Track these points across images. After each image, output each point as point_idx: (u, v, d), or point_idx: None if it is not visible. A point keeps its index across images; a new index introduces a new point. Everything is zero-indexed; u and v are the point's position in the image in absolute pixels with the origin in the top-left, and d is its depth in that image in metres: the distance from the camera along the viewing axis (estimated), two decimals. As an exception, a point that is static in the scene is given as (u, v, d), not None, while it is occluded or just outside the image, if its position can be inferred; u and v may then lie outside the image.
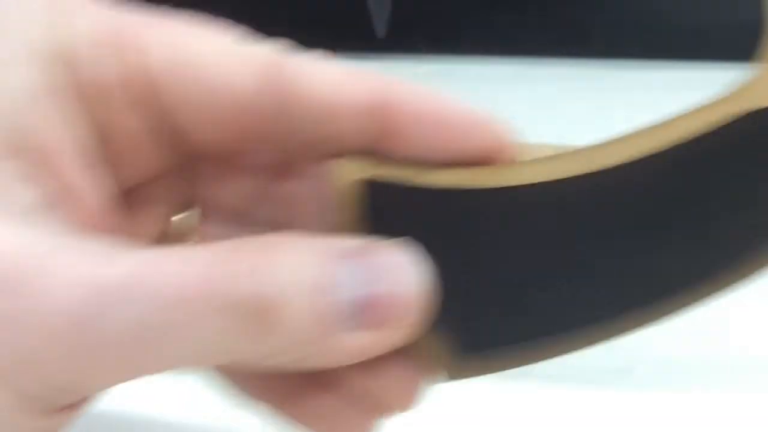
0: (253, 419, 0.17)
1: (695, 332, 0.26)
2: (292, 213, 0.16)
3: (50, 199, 0.14)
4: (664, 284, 0.15)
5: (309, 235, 0.14)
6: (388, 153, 0.15)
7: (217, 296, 0.13)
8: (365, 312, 0.13)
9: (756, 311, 0.27)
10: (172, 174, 0.16)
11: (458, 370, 0.15)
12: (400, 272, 0.14)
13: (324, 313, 0.13)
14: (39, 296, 0.12)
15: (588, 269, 0.15)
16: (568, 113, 0.42)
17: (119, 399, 0.23)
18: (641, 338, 0.24)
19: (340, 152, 0.15)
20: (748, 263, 0.15)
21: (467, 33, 0.48)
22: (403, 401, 0.16)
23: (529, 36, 0.51)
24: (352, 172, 0.15)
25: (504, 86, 0.42)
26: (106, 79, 0.14)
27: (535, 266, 0.15)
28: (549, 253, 0.15)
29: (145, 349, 0.13)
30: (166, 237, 0.17)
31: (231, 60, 0.15)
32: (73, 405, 0.14)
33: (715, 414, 0.23)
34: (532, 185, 0.15)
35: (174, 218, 0.17)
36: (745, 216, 0.14)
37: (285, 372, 0.15)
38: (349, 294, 0.13)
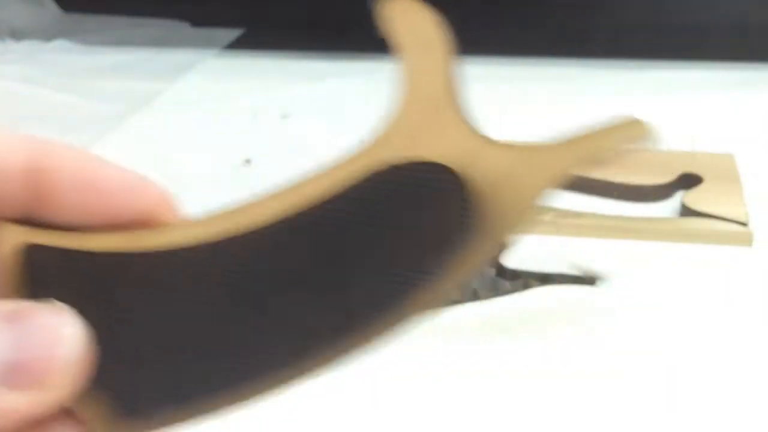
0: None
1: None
2: None
3: None
4: (314, 339, 0.15)
5: None
6: (48, 217, 0.15)
7: None
8: (16, 373, 0.14)
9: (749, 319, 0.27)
10: None
11: (120, 430, 0.15)
12: (53, 334, 0.14)
13: None
14: None
15: (242, 327, 0.15)
16: (568, 113, 0.42)
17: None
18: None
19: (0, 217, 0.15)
20: (389, 317, 0.15)
21: (467, 33, 0.48)
22: None
23: (529, 36, 0.51)
24: (10, 237, 0.15)
25: (504, 86, 0.42)
26: None
27: (189, 327, 0.15)
28: (201, 314, 0.15)
29: None
30: None
31: None
32: None
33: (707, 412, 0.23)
34: (180, 249, 0.15)
35: None
36: (385, 273, 0.15)
37: None
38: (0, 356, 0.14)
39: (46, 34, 0.61)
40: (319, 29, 0.55)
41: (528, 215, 0.15)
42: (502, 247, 0.14)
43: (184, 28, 0.61)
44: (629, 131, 0.14)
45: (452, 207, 0.15)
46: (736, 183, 0.33)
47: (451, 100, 0.15)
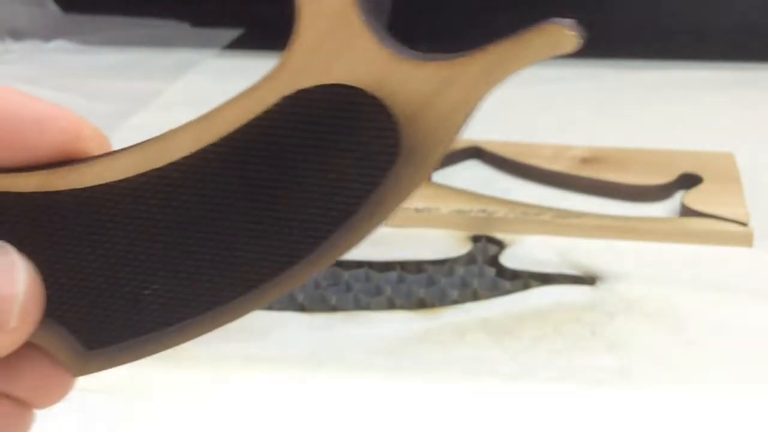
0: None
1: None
2: None
3: None
4: (256, 269, 0.15)
5: None
6: None
7: None
8: None
9: (749, 311, 0.27)
10: None
11: (83, 366, 0.16)
12: (4, 274, 0.14)
13: None
14: None
15: (182, 259, 0.15)
16: (568, 113, 0.42)
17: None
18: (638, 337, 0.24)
19: None
20: (323, 248, 0.15)
21: (467, 33, 0.48)
22: (44, 396, 0.16)
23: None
24: None
25: (504, 86, 0.42)
26: None
27: (128, 261, 0.15)
28: (139, 248, 0.15)
29: None
30: None
31: None
32: None
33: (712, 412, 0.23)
34: (107, 184, 0.15)
35: None
36: (312, 198, 0.15)
37: None
38: None
39: (46, 34, 0.61)
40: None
41: (452, 133, 0.14)
42: (428, 172, 0.14)
43: (184, 28, 0.61)
44: (549, 38, 0.14)
45: (371, 131, 0.14)
46: (736, 183, 0.33)
47: (356, 13, 0.14)
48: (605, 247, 0.30)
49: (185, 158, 0.15)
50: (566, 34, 0.13)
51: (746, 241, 0.30)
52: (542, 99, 0.43)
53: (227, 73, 0.51)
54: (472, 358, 0.25)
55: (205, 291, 0.16)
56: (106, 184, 0.15)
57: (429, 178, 0.14)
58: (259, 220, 0.15)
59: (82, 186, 0.15)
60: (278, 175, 0.15)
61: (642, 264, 0.29)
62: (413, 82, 0.14)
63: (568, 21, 0.14)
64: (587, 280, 0.28)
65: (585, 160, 0.35)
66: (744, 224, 0.30)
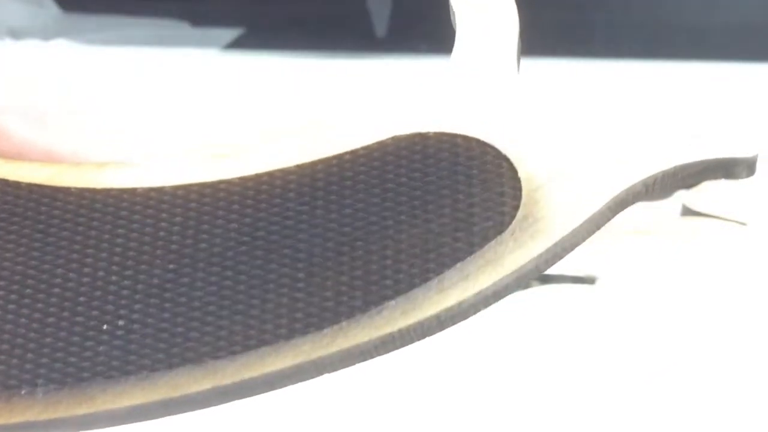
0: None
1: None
2: None
3: None
4: (288, 326, 0.13)
5: None
6: None
7: None
8: None
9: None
10: None
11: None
12: None
13: None
14: None
15: (184, 291, 0.13)
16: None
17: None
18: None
19: None
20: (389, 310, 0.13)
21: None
22: None
23: (529, 36, 0.51)
24: None
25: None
26: None
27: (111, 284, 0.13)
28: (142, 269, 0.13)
29: None
30: None
31: None
32: None
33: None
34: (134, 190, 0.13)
35: None
36: (397, 252, 0.13)
37: None
38: None
39: (46, 34, 0.61)
40: (319, 29, 0.55)
41: (586, 228, 0.13)
42: (547, 260, 0.13)
43: (184, 28, 0.61)
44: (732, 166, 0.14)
45: (491, 190, 0.13)
46: (736, 183, 0.33)
47: (509, 71, 0.13)
48: (605, 248, 0.30)
49: (257, 176, 0.13)
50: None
51: (746, 241, 0.30)
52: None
53: (227, 73, 0.51)
54: (471, 358, 0.25)
55: (206, 335, 0.13)
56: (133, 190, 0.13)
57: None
58: (305, 265, 0.13)
59: (104, 186, 0.13)
60: (362, 217, 0.13)
61: (642, 264, 0.29)
62: (559, 155, 0.13)
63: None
64: (587, 280, 0.28)
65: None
66: (744, 224, 0.30)
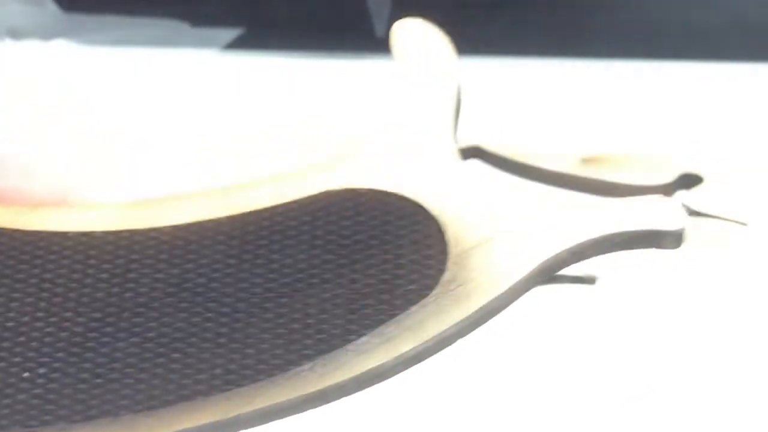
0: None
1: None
2: None
3: None
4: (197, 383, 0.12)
5: None
6: None
7: None
8: None
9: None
10: None
11: None
12: None
13: None
14: None
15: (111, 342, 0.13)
16: (569, 113, 0.42)
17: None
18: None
19: None
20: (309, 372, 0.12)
21: (467, 33, 0.48)
22: None
23: (529, 36, 0.51)
24: None
25: (503, 86, 0.42)
26: None
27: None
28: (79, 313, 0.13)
29: None
30: None
31: None
32: None
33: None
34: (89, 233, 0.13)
35: None
36: (325, 309, 0.12)
37: None
38: None
39: (46, 34, 0.61)
40: (319, 29, 0.55)
41: (510, 294, 0.14)
42: (470, 325, 0.13)
43: (184, 28, 0.62)
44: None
45: (418, 252, 0.12)
46: (736, 183, 0.33)
47: (444, 133, 0.14)
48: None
49: (188, 225, 0.13)
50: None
51: (746, 241, 0.30)
52: (542, 99, 0.43)
53: (227, 73, 0.51)
54: (471, 358, 0.25)
55: (142, 387, 0.12)
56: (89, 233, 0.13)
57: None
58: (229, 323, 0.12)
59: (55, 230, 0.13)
60: (292, 270, 0.13)
61: (642, 264, 0.29)
62: (492, 220, 0.13)
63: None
64: (587, 280, 0.28)
65: (585, 160, 0.35)
66: (744, 224, 0.30)
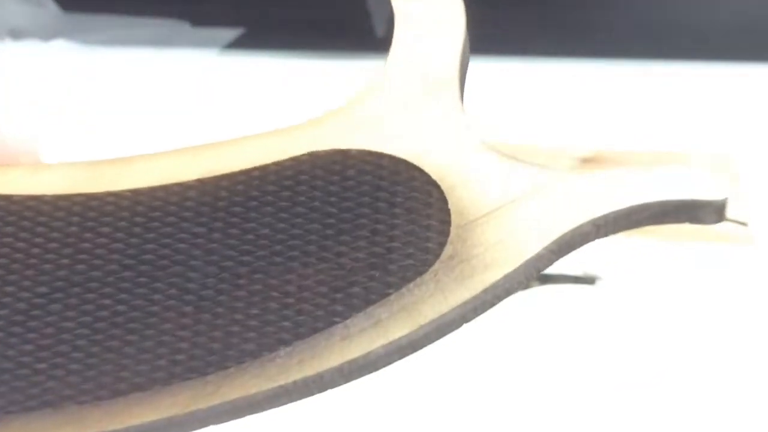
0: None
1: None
2: None
3: None
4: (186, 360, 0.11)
5: None
6: None
7: None
8: None
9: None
10: None
11: None
12: None
13: None
14: None
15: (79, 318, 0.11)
16: (568, 113, 0.42)
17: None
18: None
19: None
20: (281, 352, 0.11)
21: (467, 33, 0.48)
22: None
23: (530, 36, 0.51)
24: None
25: (503, 86, 0.42)
26: None
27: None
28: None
29: None
30: None
31: None
32: None
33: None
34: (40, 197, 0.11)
35: None
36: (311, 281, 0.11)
37: None
38: None
39: (46, 34, 0.61)
40: (319, 29, 0.55)
41: (522, 273, 0.11)
42: (475, 308, 0.11)
43: (184, 28, 0.61)
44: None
45: (415, 222, 0.11)
46: (735, 183, 0.33)
47: (449, 87, 0.11)
48: (605, 247, 0.30)
49: (150, 189, 0.12)
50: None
51: (746, 241, 0.30)
52: (542, 99, 0.43)
53: (227, 73, 0.51)
54: (471, 358, 0.25)
55: (115, 370, 0.11)
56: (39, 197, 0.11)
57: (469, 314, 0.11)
58: (215, 294, 0.11)
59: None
60: (276, 237, 0.11)
61: (642, 264, 0.29)
62: (496, 182, 0.11)
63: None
64: (587, 280, 0.28)
65: (585, 160, 0.35)
66: (744, 224, 0.30)
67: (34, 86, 0.49)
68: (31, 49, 0.59)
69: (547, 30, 0.52)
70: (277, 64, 0.54)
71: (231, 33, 0.60)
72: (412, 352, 0.11)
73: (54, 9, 0.65)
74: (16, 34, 0.61)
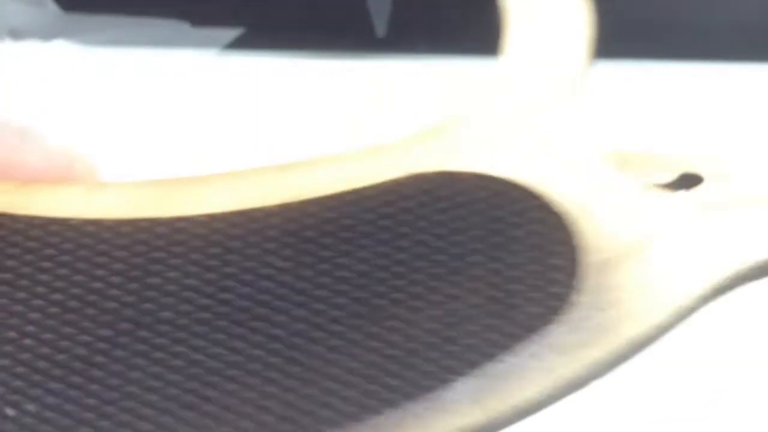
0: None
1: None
2: None
3: None
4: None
5: None
6: None
7: None
8: None
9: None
10: None
11: None
12: None
13: None
14: None
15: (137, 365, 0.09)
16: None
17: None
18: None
19: None
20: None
21: (467, 33, 0.48)
22: None
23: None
24: None
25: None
26: None
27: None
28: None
29: None
30: None
31: None
32: None
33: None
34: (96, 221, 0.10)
35: None
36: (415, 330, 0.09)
37: None
38: None
39: (46, 34, 0.61)
40: (319, 29, 0.55)
41: (668, 324, 0.09)
42: (610, 365, 0.09)
43: (184, 28, 0.62)
44: None
45: (538, 261, 0.09)
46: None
47: (570, 103, 0.10)
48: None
49: (227, 215, 0.10)
50: None
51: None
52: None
53: (227, 73, 0.51)
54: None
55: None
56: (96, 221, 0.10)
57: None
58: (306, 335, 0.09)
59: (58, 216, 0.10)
60: (380, 275, 0.09)
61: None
62: (623, 213, 0.09)
63: None
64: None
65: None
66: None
67: (34, 86, 0.49)
68: (30, 49, 0.59)
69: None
70: (277, 64, 0.54)
71: (231, 33, 0.60)
72: (526, 416, 0.09)
73: (54, 9, 0.65)
74: (16, 34, 0.61)
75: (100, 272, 0.09)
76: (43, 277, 0.09)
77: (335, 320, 0.09)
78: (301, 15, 0.56)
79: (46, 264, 0.09)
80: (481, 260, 0.09)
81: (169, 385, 0.09)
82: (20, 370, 0.09)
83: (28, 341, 0.09)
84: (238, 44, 0.59)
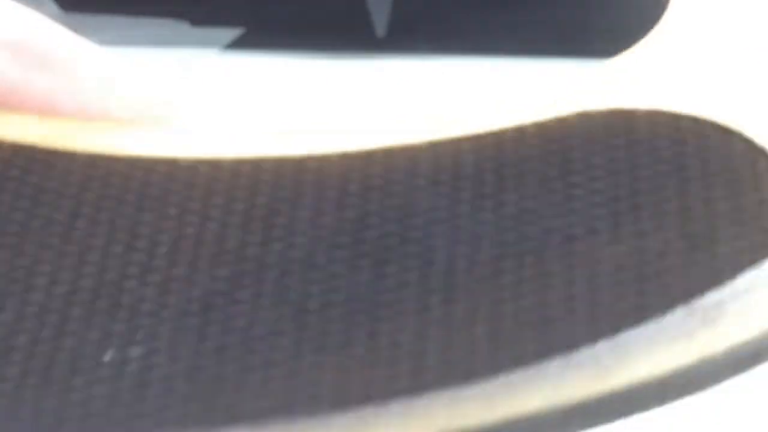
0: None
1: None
2: None
3: None
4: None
5: None
6: None
7: None
8: None
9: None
10: None
11: None
12: None
13: None
14: None
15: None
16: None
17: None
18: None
19: None
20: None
21: (467, 33, 0.48)
22: None
23: (530, 36, 0.51)
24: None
25: (504, 86, 0.42)
26: None
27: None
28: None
29: None
30: None
31: None
32: None
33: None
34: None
35: None
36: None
37: None
38: None
39: (46, 34, 0.61)
40: (319, 29, 0.55)
41: None
42: None
43: (184, 28, 0.62)
44: None
45: (739, 197, 0.08)
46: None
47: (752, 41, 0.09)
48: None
49: (364, 153, 0.09)
50: None
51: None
52: (541, 98, 0.43)
53: (227, 73, 0.51)
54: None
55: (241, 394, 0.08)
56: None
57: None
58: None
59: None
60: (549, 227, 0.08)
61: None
62: None
63: None
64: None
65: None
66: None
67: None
68: (31, 49, 0.59)
69: (547, 30, 0.52)
70: (277, 64, 0.54)
71: (231, 33, 0.60)
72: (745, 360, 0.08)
73: (54, 9, 0.65)
74: (16, 34, 0.61)
75: (216, 211, 0.09)
76: (147, 216, 0.09)
77: (500, 257, 0.08)
78: (301, 15, 0.56)
79: (151, 204, 0.09)
80: (672, 195, 0.08)
81: (302, 327, 0.08)
82: (122, 313, 0.08)
83: (131, 283, 0.08)
84: (238, 44, 0.59)
